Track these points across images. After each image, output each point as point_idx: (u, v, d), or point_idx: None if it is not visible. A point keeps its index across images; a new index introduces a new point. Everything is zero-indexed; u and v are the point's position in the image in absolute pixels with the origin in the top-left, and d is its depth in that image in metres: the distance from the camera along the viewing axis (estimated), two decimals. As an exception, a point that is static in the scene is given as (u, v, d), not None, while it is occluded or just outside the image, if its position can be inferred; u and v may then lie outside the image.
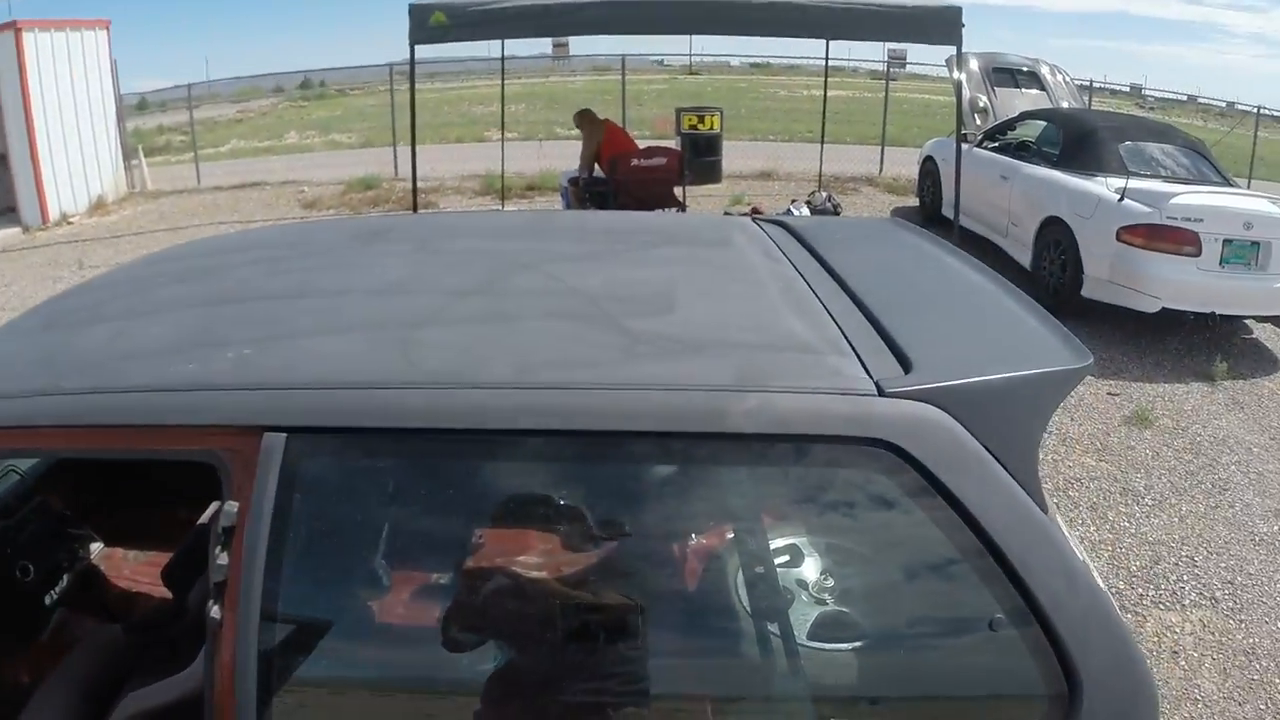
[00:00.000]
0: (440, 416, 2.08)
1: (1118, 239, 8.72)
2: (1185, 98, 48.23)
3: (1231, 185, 10.04)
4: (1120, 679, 2.05)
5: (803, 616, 2.28)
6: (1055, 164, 10.33)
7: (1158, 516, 6.01)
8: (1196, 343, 9.11)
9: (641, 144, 12.27)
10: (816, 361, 2.21)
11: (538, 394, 2.10)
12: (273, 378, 2.21)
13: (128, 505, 3.96)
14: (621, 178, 10.97)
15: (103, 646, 3.14)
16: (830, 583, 2.31)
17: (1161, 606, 5.06)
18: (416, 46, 9.94)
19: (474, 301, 2.66)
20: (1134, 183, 9.01)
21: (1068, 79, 15.16)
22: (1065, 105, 14.09)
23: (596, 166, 11.74)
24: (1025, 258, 10.26)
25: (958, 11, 9.54)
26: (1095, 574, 2.31)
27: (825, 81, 17.73)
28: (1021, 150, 11.43)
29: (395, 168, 18.29)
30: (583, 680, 2.20)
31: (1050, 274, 9.69)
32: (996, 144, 12.08)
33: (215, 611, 2.02)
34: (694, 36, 36.04)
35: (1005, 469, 2.06)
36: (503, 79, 16.39)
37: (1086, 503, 6.15)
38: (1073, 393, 7.36)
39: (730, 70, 54.26)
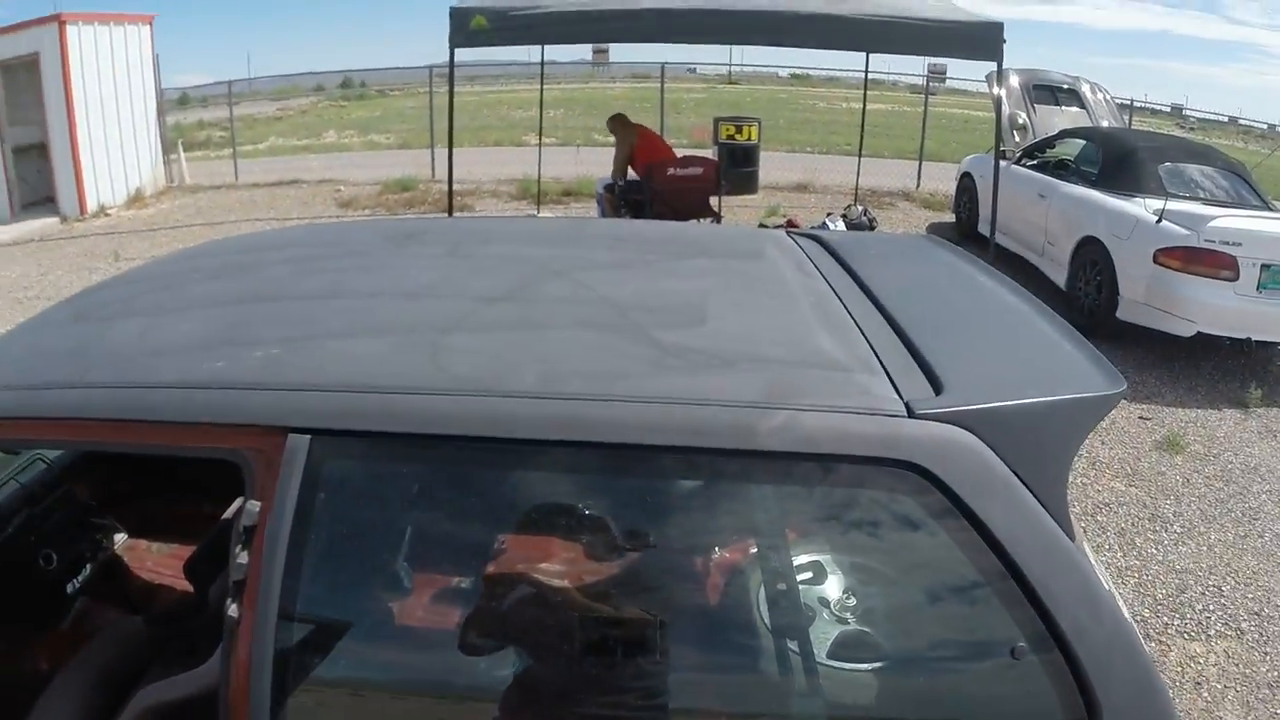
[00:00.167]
0: (465, 424, 2.07)
1: (1154, 261, 8.64)
2: (1226, 119, 47.80)
3: (1271, 209, 9.90)
4: (1142, 710, 2.03)
5: (823, 635, 2.26)
6: (1093, 183, 10.24)
7: (1186, 544, 5.93)
8: (1231, 368, 9.00)
9: (678, 153, 12.24)
10: (846, 380, 2.19)
11: (564, 404, 2.09)
12: (299, 379, 2.21)
13: (154, 497, 3.98)
14: (658, 186, 10.95)
15: (123, 637, 3.15)
16: (852, 602, 2.29)
17: (1186, 636, 5.00)
18: (456, 50, 9.97)
19: (504, 308, 2.66)
20: (1172, 204, 8.92)
21: (1108, 97, 15.07)
22: (1105, 124, 14.01)
23: (630, 171, 11.71)
24: (1061, 277, 10.18)
25: (999, 27, 9.49)
26: (1121, 603, 2.29)
27: (864, 95, 17.69)
28: (1060, 169, 11.34)
29: (432, 169, 18.35)
30: (601, 692, 2.19)
31: (1085, 294, 9.62)
32: (1035, 162, 12.00)
33: (233, 609, 2.03)
34: (734, 46, 35.98)
35: (1034, 495, 2.04)
36: (541, 84, 16.41)
37: (1114, 528, 6.08)
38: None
39: (770, 81, 54.28)
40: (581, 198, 16.28)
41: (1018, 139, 13.42)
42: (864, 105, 17.46)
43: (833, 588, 2.31)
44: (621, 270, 3.09)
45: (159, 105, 18.42)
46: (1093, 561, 2.27)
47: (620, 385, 2.16)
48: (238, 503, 2.14)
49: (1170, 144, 11.78)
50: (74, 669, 2.99)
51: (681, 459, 2.10)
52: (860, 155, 17.11)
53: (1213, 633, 5.04)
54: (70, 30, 15.30)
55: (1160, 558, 5.76)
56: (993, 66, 9.99)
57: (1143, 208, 9.14)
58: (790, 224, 12.77)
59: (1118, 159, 10.31)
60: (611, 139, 12.41)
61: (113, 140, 16.40)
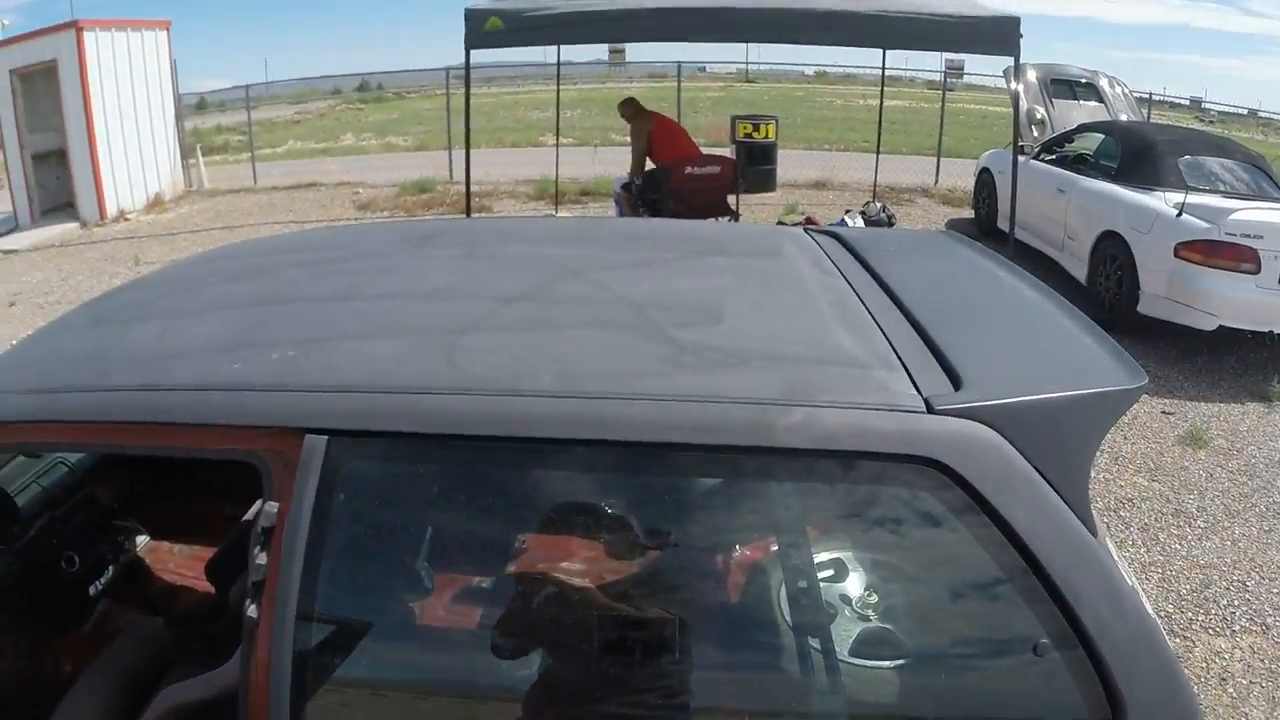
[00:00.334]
0: (482, 424, 2.07)
1: (1175, 255, 8.57)
2: (1246, 111, 47.43)
3: (1293, 202, 9.85)
4: (1166, 705, 2.01)
5: (844, 633, 2.25)
6: (1113, 178, 10.17)
7: (1210, 539, 5.89)
8: (1254, 362, 8.93)
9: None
10: (865, 376, 2.18)
11: (581, 403, 2.09)
12: (316, 380, 2.22)
13: (175, 499, 4.00)
14: (675, 185, 10.93)
15: (144, 639, 3.17)
16: (873, 599, 2.28)
17: (1211, 631, 4.96)
18: (472, 51, 9.99)
19: (521, 308, 2.66)
20: (1193, 198, 8.84)
21: (1126, 91, 14.96)
22: (1123, 118, 13.92)
23: (648, 163, 11.65)
24: (1081, 272, 10.12)
25: (1016, 22, 9.44)
26: (1144, 599, 2.27)
27: (881, 91, 17.63)
28: (1079, 163, 11.27)
29: (450, 171, 18.38)
30: (622, 692, 2.19)
31: (1106, 289, 9.56)
32: (1053, 156, 11.94)
33: (252, 610, 2.04)
34: (750, 45, 35.92)
35: (1055, 490, 2.02)
36: (558, 84, 16.42)
37: (1138, 524, 6.05)
38: (1128, 410, 7.28)
39: (787, 79, 54.21)
40: (599, 197, 16.29)
41: (1036, 134, 13.34)
42: (881, 102, 17.40)
43: (853, 585, 2.30)
44: (638, 269, 3.08)
45: (177, 110, 18.53)
46: (1115, 557, 2.26)
47: (638, 384, 2.16)
48: (258, 504, 2.14)
49: (1189, 137, 11.72)
50: (96, 670, 3.01)
51: (700, 457, 2.09)
52: (878, 152, 17.04)
53: (1237, 628, 5.01)
54: (88, 37, 15.43)
55: (1184, 553, 5.72)
56: (1010, 61, 9.94)
57: (1163, 201, 9.07)
58: (809, 221, 12.74)
59: (1137, 152, 10.25)
60: (627, 137, 12.32)
61: (131, 146, 16.51)
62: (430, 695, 2.32)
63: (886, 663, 2.24)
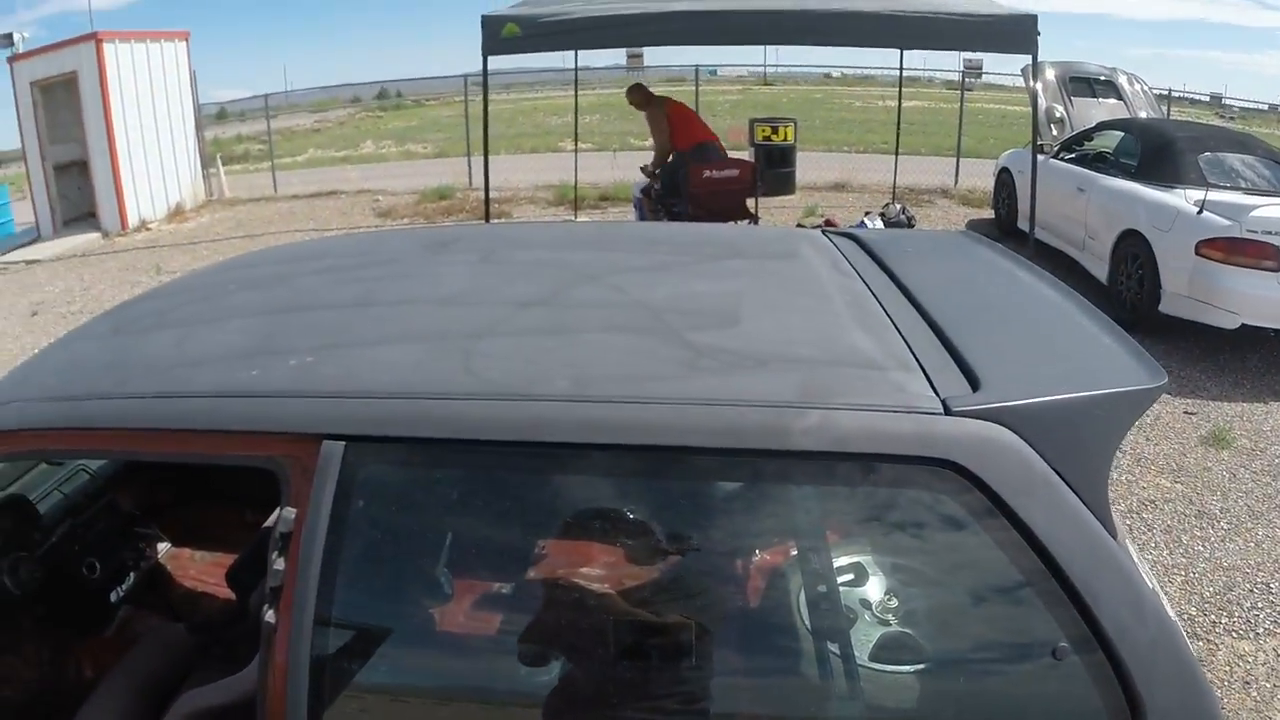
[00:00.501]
0: (498, 429, 2.07)
1: (1196, 253, 8.51)
2: (1266, 107, 47.28)
3: (1315, 197, 9.77)
4: (1187, 710, 1.99)
5: (863, 637, 2.23)
6: (1133, 175, 10.11)
7: (1233, 541, 5.84)
8: (1278, 361, 8.86)
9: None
10: (882, 378, 2.18)
11: (597, 407, 2.09)
12: (333, 386, 2.23)
13: (196, 506, 4.02)
14: (694, 190, 10.90)
15: (165, 645, 3.19)
16: (892, 603, 2.26)
17: (1234, 634, 4.92)
18: (490, 57, 10.01)
19: (537, 313, 2.66)
20: (1213, 195, 8.78)
21: (1145, 88, 14.89)
22: (1143, 115, 13.85)
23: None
24: (1102, 272, 10.07)
25: (1033, 20, 9.40)
26: (1165, 602, 2.25)
27: (900, 92, 17.57)
28: (1098, 161, 11.20)
29: (470, 178, 18.42)
30: (641, 697, 2.19)
31: (1127, 289, 9.51)
32: (1073, 155, 11.87)
33: (270, 615, 2.05)
34: (767, 47, 35.92)
35: (1074, 492, 2.01)
36: (576, 90, 16.44)
37: (1160, 525, 6.01)
38: (1150, 411, 7.21)
39: (805, 81, 54.18)
40: (619, 202, 16.30)
41: (1055, 132, 13.30)
42: (899, 103, 17.35)
43: (872, 589, 2.29)
44: (655, 273, 3.08)
45: (197, 120, 18.67)
46: (1135, 559, 2.25)
47: (654, 387, 2.15)
48: (278, 511, 2.16)
49: (1209, 133, 11.65)
50: (117, 675, 3.03)
51: (716, 461, 2.09)
52: (897, 153, 17.02)
53: (1261, 630, 4.97)
54: (108, 48, 15.55)
55: (1207, 555, 5.68)
56: (1028, 60, 9.91)
57: (1183, 199, 9.01)
58: (828, 223, 12.71)
59: (1156, 150, 10.18)
60: (649, 143, 12.27)
61: (152, 156, 16.62)
62: (448, 701, 2.32)
63: (905, 667, 2.23)
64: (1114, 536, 2.04)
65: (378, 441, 2.11)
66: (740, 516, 2.26)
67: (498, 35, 9.61)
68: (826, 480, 2.15)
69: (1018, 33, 9.45)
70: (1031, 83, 10.67)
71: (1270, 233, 8.18)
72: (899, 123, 17.26)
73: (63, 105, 16.01)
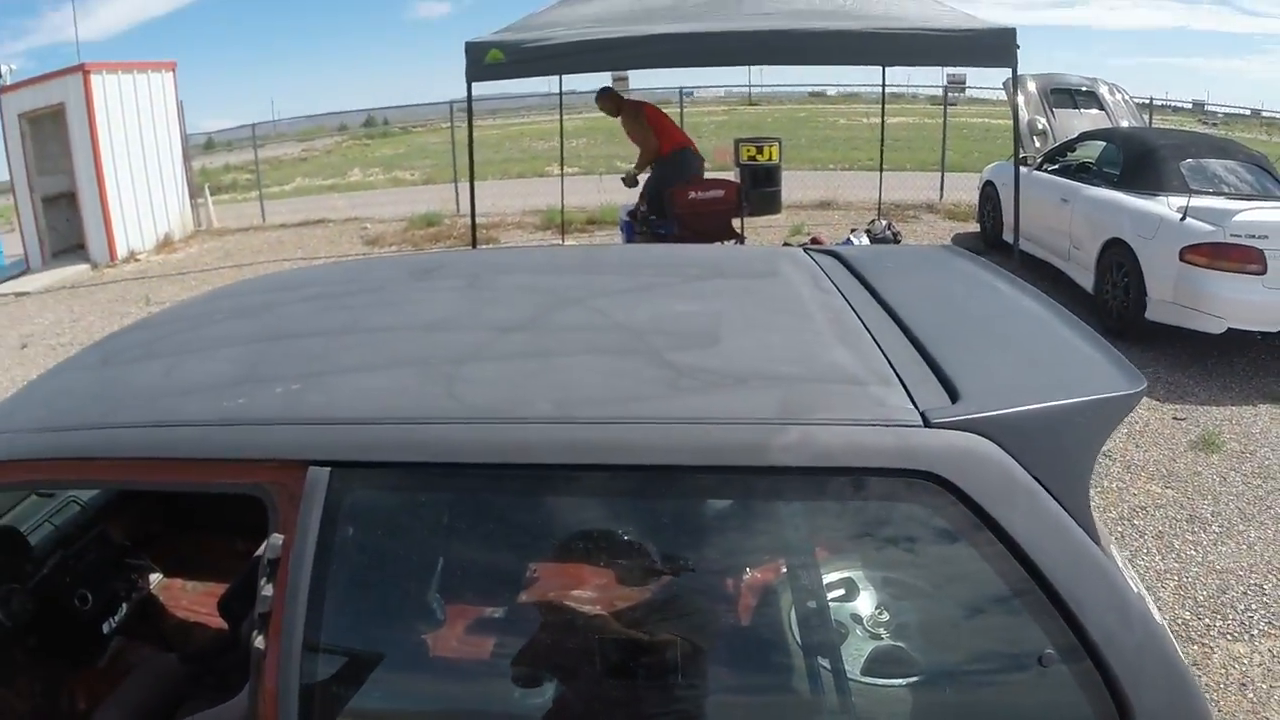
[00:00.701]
0: (481, 451, 2.09)
1: (1181, 259, 8.54)
2: (1249, 112, 47.42)
3: (1296, 199, 9.82)
4: (1176, 713, 2.00)
5: (851, 651, 2.25)
6: (1116, 184, 10.15)
7: (1225, 544, 5.86)
8: (1265, 363, 8.89)
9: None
10: (861, 392, 2.19)
11: (578, 429, 2.11)
12: (317, 413, 2.25)
13: (188, 536, 4.03)
14: (680, 211, 10.93)
15: (157, 675, 3.20)
16: (881, 617, 2.28)
17: (1229, 637, 4.93)
18: (475, 83, 10.05)
19: (520, 337, 2.68)
20: (1196, 201, 8.82)
21: (1127, 97, 14.96)
22: (1125, 125, 13.91)
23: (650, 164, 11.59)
24: (1088, 281, 10.11)
25: (1012, 33, 9.46)
26: (1152, 607, 2.27)
27: (883, 108, 17.63)
28: (1081, 172, 11.27)
29: (457, 204, 18.45)
30: (633, 717, 2.20)
31: (1113, 297, 9.54)
32: (1056, 166, 11.95)
33: (259, 641, 2.06)
34: (753, 67, 36.05)
35: (1056, 500, 2.02)
36: (561, 114, 16.50)
37: (1152, 531, 6.02)
38: (1138, 418, 7.23)
39: (789, 100, 54.35)
40: (606, 226, 16.31)
41: (1038, 144, 13.34)
42: (882, 119, 17.41)
43: (857, 602, 2.30)
44: (637, 295, 3.11)
45: (184, 150, 18.68)
46: (1120, 565, 2.26)
47: (635, 408, 2.17)
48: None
49: (1190, 140, 11.70)
50: (110, 706, 3.04)
51: (697, 479, 2.10)
52: (881, 170, 17.07)
53: (1256, 632, 4.98)
54: (95, 79, 15.59)
55: (1200, 559, 5.69)
56: (1009, 73, 9.97)
57: (1166, 206, 9.05)
58: (815, 241, 12.73)
59: (1138, 158, 10.24)
60: (631, 164, 12.27)
61: (140, 187, 16.64)
62: None
63: (893, 681, 2.23)
64: (1097, 542, 2.05)
65: (362, 466, 2.13)
66: (723, 534, 2.27)
67: (482, 62, 9.64)
68: (808, 495, 2.17)
69: (997, 46, 9.51)
70: (1013, 95, 10.73)
71: (1254, 236, 8.21)
72: (882, 139, 17.32)
73: (51, 137, 16.03)
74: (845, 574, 2.30)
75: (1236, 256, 8.25)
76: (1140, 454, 7.15)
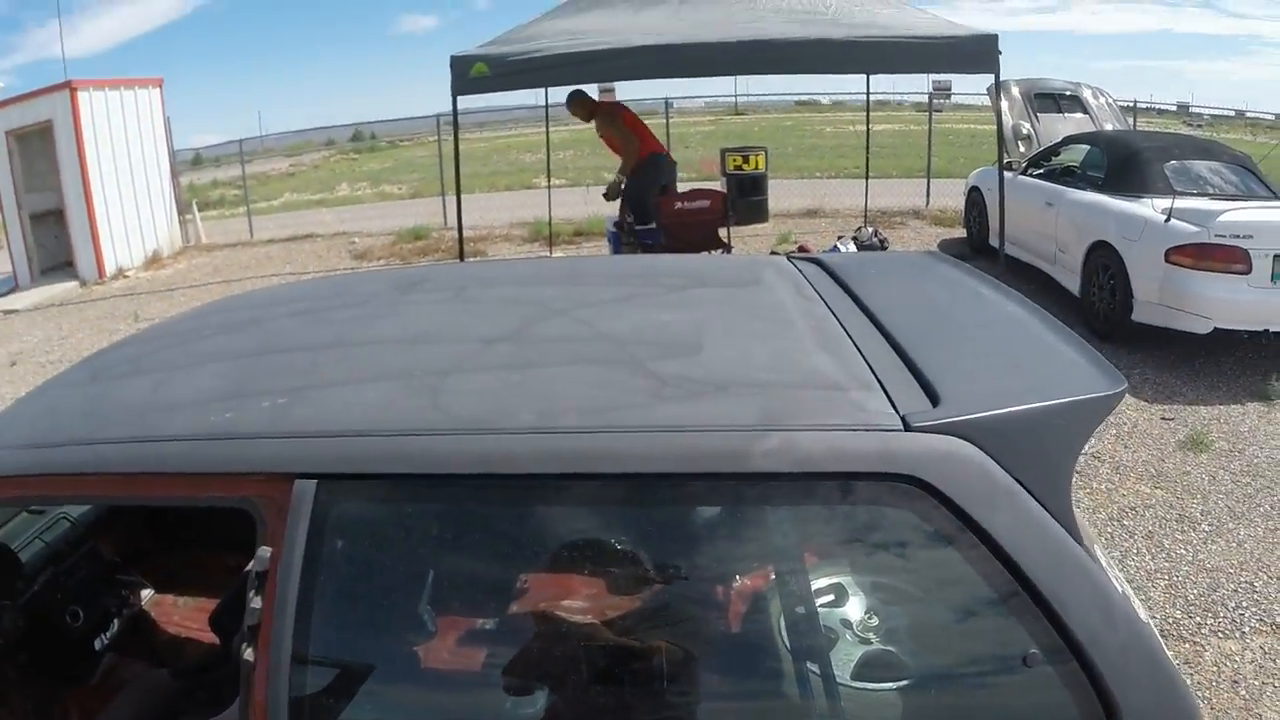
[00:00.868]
0: (466, 462, 2.11)
1: (1166, 260, 8.57)
2: (1234, 113, 47.54)
3: (1280, 199, 9.86)
4: (1163, 711, 2.01)
5: (839, 655, 2.26)
6: (1100, 187, 10.19)
7: (1215, 543, 5.88)
8: (1252, 362, 8.92)
9: (688, 186, 12.24)
10: (842, 398, 2.21)
11: (562, 438, 2.12)
12: (304, 426, 2.26)
13: (179, 552, 4.03)
14: (666, 222, 10.94)
15: (149, 690, 3.20)
16: (865, 621, 2.29)
17: (1220, 635, 4.95)
18: (461, 97, 10.07)
19: (504, 348, 2.70)
20: (1180, 202, 8.87)
21: (1110, 101, 15.01)
22: (1109, 128, 13.96)
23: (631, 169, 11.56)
24: (1074, 284, 10.12)
25: (994, 40, 9.52)
26: (1138, 606, 2.28)
27: (868, 116, 17.67)
28: (1066, 175, 11.31)
29: (445, 217, 18.45)
30: None
31: (1099, 300, 9.56)
32: (1041, 170, 11.98)
33: (249, 654, 2.07)
34: (738, 77, 36.09)
35: (1038, 501, 2.04)
36: (547, 127, 16.54)
37: (1142, 532, 6.03)
38: (1127, 419, 7.24)
39: (776, 109, 54.45)
40: (593, 237, 16.30)
41: (1023, 149, 13.38)
42: (868, 126, 17.43)
43: (842, 608, 2.31)
44: (621, 305, 3.12)
45: (172, 166, 18.68)
46: (1104, 565, 2.27)
47: (618, 417, 2.19)
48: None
49: (1174, 142, 11.74)
50: None
51: (680, 486, 2.12)
52: (867, 177, 17.10)
53: (1247, 629, 4.99)
54: (82, 96, 15.58)
55: (1190, 558, 5.71)
56: (991, 79, 10.01)
57: (1151, 208, 9.09)
58: (801, 249, 12.76)
59: (1122, 161, 10.28)
60: (616, 173, 12.21)
61: (128, 203, 16.63)
62: None
63: (879, 684, 2.25)
64: (1080, 543, 2.06)
65: (349, 479, 2.14)
66: (708, 541, 2.29)
67: (467, 75, 9.68)
68: (790, 501, 2.18)
69: (980, 53, 9.56)
70: (996, 101, 10.75)
71: (1238, 236, 8.24)
72: (868, 146, 17.33)
73: (38, 154, 16.02)
74: (829, 578, 2.32)
75: (1221, 257, 8.29)
76: (1129, 455, 7.17)
